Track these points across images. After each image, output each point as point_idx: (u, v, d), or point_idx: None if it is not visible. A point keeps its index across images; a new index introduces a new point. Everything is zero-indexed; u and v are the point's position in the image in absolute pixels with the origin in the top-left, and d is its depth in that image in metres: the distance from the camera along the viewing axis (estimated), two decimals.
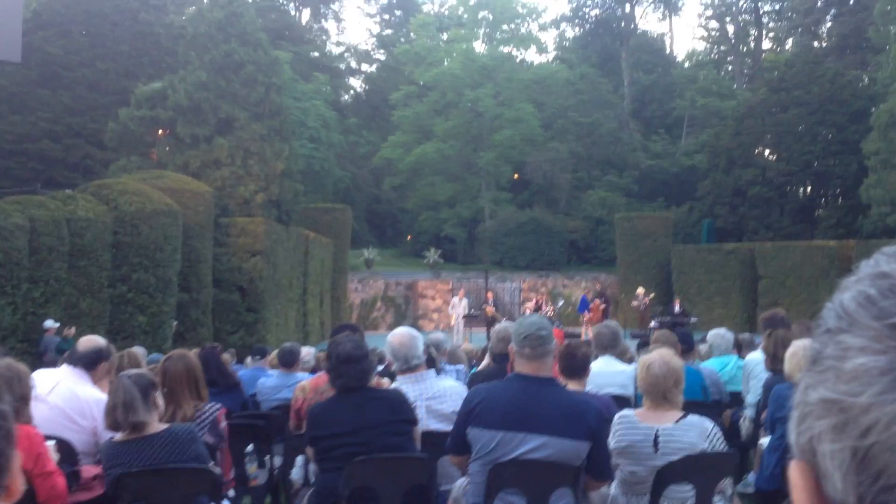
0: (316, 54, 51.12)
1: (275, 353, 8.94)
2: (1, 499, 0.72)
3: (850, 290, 0.60)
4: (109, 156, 27.46)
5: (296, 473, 5.39)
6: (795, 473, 0.61)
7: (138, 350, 7.83)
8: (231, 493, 4.91)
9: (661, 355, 4.33)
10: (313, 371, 8.32)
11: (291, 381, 7.54)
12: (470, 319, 25.64)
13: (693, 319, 24.48)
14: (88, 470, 4.43)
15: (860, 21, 39.40)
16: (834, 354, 0.58)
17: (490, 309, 25.06)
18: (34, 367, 5.03)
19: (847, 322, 0.58)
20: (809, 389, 0.60)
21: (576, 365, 5.17)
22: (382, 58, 56.09)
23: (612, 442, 4.27)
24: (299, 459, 5.35)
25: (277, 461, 6.31)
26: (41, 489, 3.81)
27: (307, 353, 9.29)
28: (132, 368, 4.66)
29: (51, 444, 4.04)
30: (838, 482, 0.55)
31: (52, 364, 6.48)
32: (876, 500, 0.52)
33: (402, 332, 5.05)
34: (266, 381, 7.86)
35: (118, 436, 4.02)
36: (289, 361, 7.77)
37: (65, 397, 4.60)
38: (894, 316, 0.56)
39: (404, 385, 4.86)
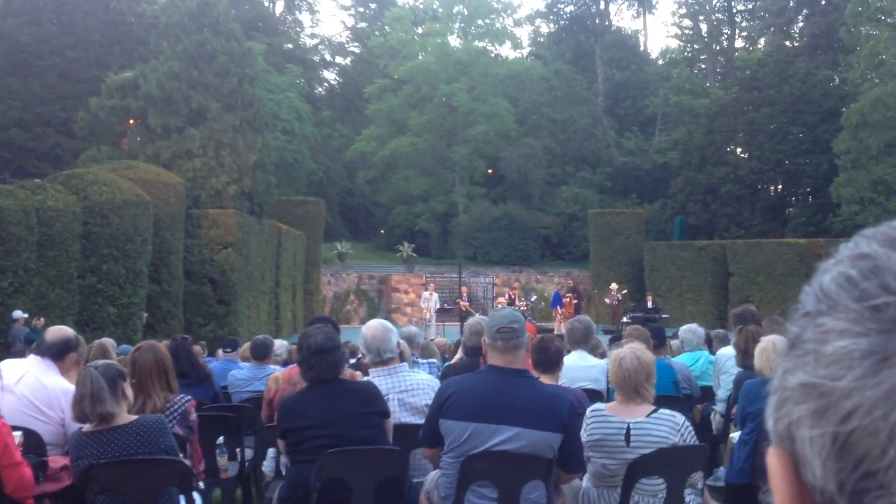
0: (290, 46, 50.83)
1: (247, 345, 8.89)
2: None
3: (829, 272, 0.59)
4: (79, 145, 27.15)
5: (267, 466, 5.36)
6: (773, 460, 0.59)
7: (108, 341, 7.75)
8: (201, 485, 4.87)
9: (633, 350, 4.35)
10: (285, 364, 8.28)
11: (263, 374, 7.52)
12: (443, 314, 25.64)
13: (665, 315, 24.67)
14: (56, 461, 4.38)
15: (832, 22, 39.77)
16: (813, 338, 0.56)
17: (464, 304, 25.09)
18: (1, 358, 4.96)
19: (827, 304, 0.57)
20: (788, 374, 0.58)
21: (549, 359, 5.17)
22: (357, 51, 55.89)
23: (585, 435, 4.28)
24: (270, 452, 5.33)
25: (248, 453, 6.28)
26: (8, 480, 3.76)
27: (279, 345, 9.26)
28: (101, 359, 4.60)
29: (17, 434, 3.98)
30: (818, 469, 0.54)
31: (21, 355, 6.39)
32: (857, 486, 0.52)
33: (376, 324, 5.03)
34: (237, 373, 7.82)
35: (86, 427, 3.97)
36: (261, 354, 7.73)
37: (32, 388, 4.53)
38: (875, 298, 0.54)
39: (377, 378, 4.85)
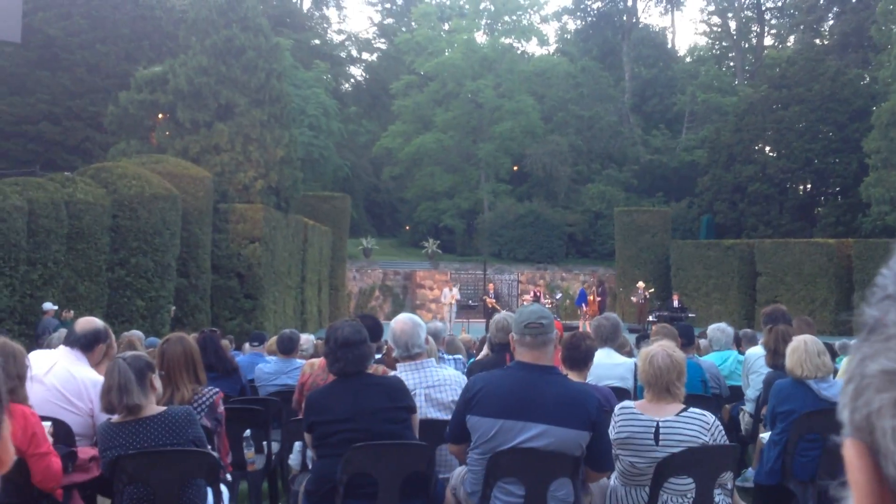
0: (317, 42, 50.98)
1: (273, 339, 8.91)
2: None
3: None
4: (109, 139, 27.34)
5: (293, 459, 5.36)
6: (851, 453, 0.55)
7: (135, 334, 7.80)
8: (228, 477, 4.88)
9: (664, 347, 4.30)
10: (312, 358, 8.28)
11: (290, 368, 7.53)
12: (467, 310, 25.64)
13: (691, 315, 24.50)
14: (85, 451, 4.40)
15: (862, 20, 39.31)
16: None
17: (491, 300, 25.06)
18: (31, 350, 4.99)
19: None
20: (867, 361, 0.53)
21: (579, 356, 5.14)
22: (383, 47, 55.96)
23: (613, 433, 4.24)
24: (297, 445, 5.32)
25: (275, 447, 6.29)
26: (36, 469, 3.78)
27: (305, 340, 9.27)
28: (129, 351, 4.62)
29: (47, 424, 4.00)
30: None
31: (51, 346, 6.44)
32: None
33: (405, 318, 5.00)
34: (264, 367, 7.83)
35: (115, 417, 3.98)
36: (288, 348, 7.74)
37: (61, 378, 4.56)
38: None
39: (404, 373, 4.83)
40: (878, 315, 0.54)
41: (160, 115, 24.74)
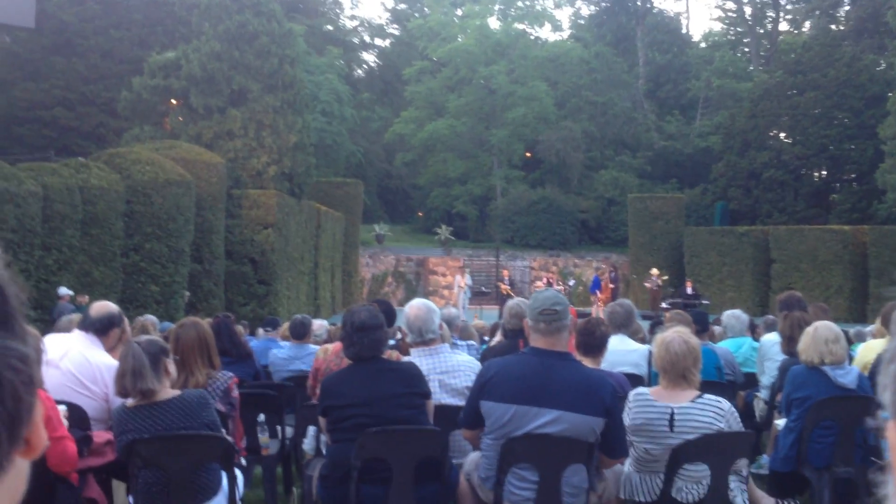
0: (329, 28, 50.85)
1: (286, 324, 8.93)
2: (21, 454, 0.64)
3: None
4: (122, 125, 27.40)
5: (308, 444, 5.38)
6: (894, 434, 0.51)
7: (150, 319, 7.82)
8: (243, 461, 4.90)
9: (679, 333, 4.28)
10: (326, 343, 8.30)
11: (303, 354, 7.55)
12: (480, 296, 25.65)
13: (705, 302, 24.43)
14: (100, 436, 4.42)
15: (878, 5, 38.92)
16: None
17: (505, 287, 25.06)
18: (46, 334, 5.01)
19: None
20: None
21: (593, 342, 5.13)
22: (396, 32, 55.79)
23: (627, 419, 4.23)
24: (311, 430, 5.34)
25: (289, 432, 6.30)
26: (51, 453, 3.80)
27: (319, 325, 9.28)
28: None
29: (62, 408, 4.02)
30: None
31: (65, 331, 6.47)
32: None
33: (419, 304, 5.00)
34: (278, 352, 7.85)
35: (130, 401, 4.00)
36: (300, 333, 7.75)
37: (76, 363, 4.57)
38: None
39: (418, 358, 4.83)
40: None
41: (173, 101, 24.77)
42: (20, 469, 0.64)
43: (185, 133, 23.76)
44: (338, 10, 55.69)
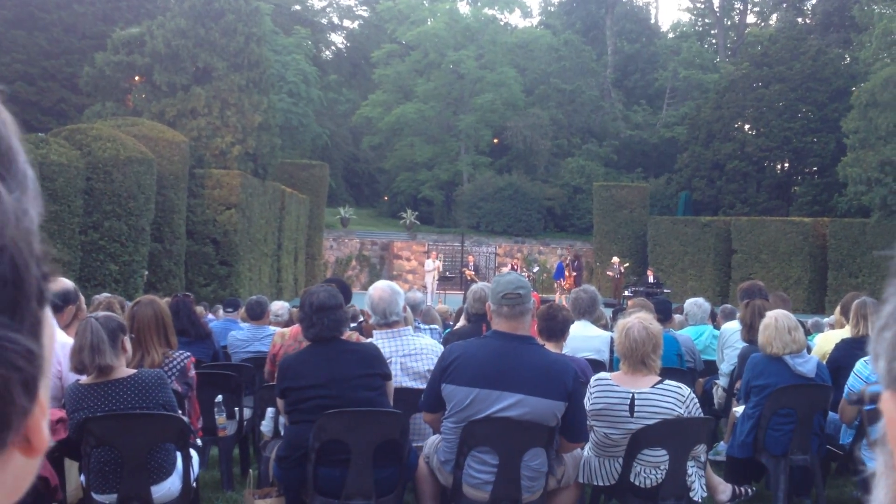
0: (297, 7, 50.39)
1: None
2: (21, 451, 0.57)
3: None
4: (84, 101, 26.97)
5: (265, 425, 5.32)
6: (891, 406, 0.48)
7: (116, 297, 7.70)
8: (199, 442, 4.83)
9: (641, 320, 4.28)
10: (286, 326, 8.23)
11: (262, 335, 7.48)
12: (444, 281, 25.64)
13: (666, 290, 24.61)
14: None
15: None
16: None
17: (469, 272, 25.06)
18: None
19: None
20: None
21: (555, 327, 5.12)
22: (365, 14, 55.39)
23: (588, 404, 4.23)
24: (269, 411, 5.28)
25: (247, 413, 6.24)
26: None
27: (281, 307, 9.21)
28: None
29: None
30: None
31: None
32: None
33: (384, 286, 4.95)
34: (237, 333, 7.77)
35: (84, 379, 3.91)
36: (257, 314, 7.68)
37: None
38: None
39: (381, 341, 4.79)
40: None
41: (137, 78, 24.40)
42: (19, 466, 0.57)
43: (148, 110, 23.44)
44: None
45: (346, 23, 57.21)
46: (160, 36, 23.53)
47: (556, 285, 26.75)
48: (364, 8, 55.90)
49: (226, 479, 5.95)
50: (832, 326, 8.18)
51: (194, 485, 4.43)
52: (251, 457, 6.52)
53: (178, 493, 4.11)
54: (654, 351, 4.24)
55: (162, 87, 23.63)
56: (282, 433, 4.81)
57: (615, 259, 27.06)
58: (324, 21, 54.53)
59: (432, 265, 25.62)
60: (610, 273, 26.87)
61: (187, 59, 23.52)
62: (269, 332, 7.37)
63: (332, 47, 55.70)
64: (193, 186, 22.01)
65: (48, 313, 0.58)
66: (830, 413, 5.51)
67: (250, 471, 6.15)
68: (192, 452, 4.32)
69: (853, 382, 4.92)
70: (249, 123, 24.20)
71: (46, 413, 0.59)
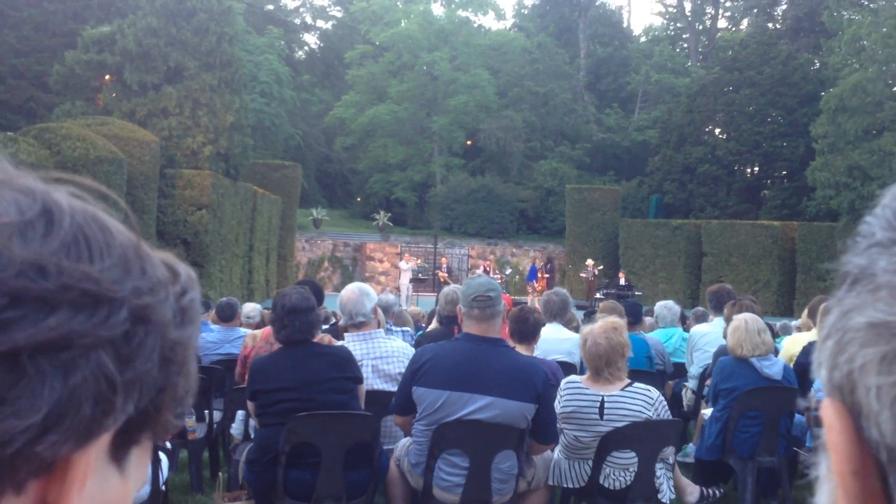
0: (270, 7, 50.18)
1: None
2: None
3: None
4: (54, 99, 26.66)
5: (235, 428, 5.29)
6: (830, 414, 0.50)
7: None
8: (168, 445, 4.80)
9: (605, 328, 4.27)
10: (258, 328, 8.19)
11: (232, 337, 7.44)
12: (417, 283, 25.64)
13: (637, 293, 24.77)
14: None
15: (815, 5, 39.85)
16: (889, 268, 0.47)
17: (443, 274, 25.08)
18: None
19: None
20: (852, 313, 0.48)
21: (527, 329, 5.13)
22: (339, 15, 55.27)
23: (559, 407, 4.25)
24: (239, 414, 5.25)
25: (217, 416, 6.21)
26: None
27: (252, 308, 9.16)
28: None
29: None
30: (887, 423, 0.45)
31: None
32: None
33: (353, 287, 4.98)
34: (207, 335, 7.71)
35: None
36: (227, 315, 7.64)
37: None
38: None
39: (352, 343, 4.79)
40: (864, 263, 0.49)
41: (107, 77, 24.17)
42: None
43: (119, 110, 23.21)
44: None
45: (320, 23, 57.06)
46: (131, 35, 23.33)
47: (528, 287, 26.84)
48: (337, 8, 55.76)
49: (195, 482, 5.91)
50: (800, 329, 8.27)
51: (163, 488, 4.40)
52: (221, 460, 6.48)
53: (147, 496, 4.08)
54: (617, 361, 4.25)
55: (133, 86, 23.42)
56: (252, 436, 4.79)
57: (590, 261, 27.20)
58: (297, 21, 54.34)
59: (407, 266, 25.57)
60: (584, 275, 27.00)
61: (158, 58, 23.33)
62: (239, 334, 7.33)
63: (306, 47, 55.55)
64: (164, 187, 21.84)
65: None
66: (797, 415, 5.57)
67: (220, 474, 6.10)
68: (161, 455, 4.29)
69: (819, 385, 4.98)
70: (221, 123, 24.05)
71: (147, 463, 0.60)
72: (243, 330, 7.53)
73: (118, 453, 0.54)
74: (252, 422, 4.67)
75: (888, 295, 0.47)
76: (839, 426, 0.50)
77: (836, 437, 0.50)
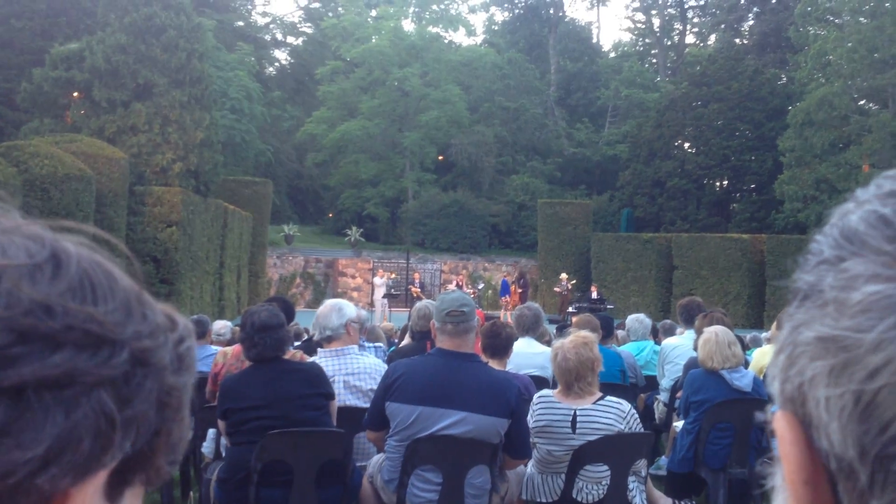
0: (240, 24, 50.09)
1: None
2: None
3: (853, 213, 0.52)
4: (22, 117, 26.43)
5: (206, 447, 5.25)
6: (782, 425, 0.52)
7: None
8: None
9: (575, 343, 4.29)
10: (228, 344, 8.14)
11: (203, 354, 7.38)
12: (390, 298, 25.56)
13: (609, 306, 24.87)
14: None
15: (781, 20, 40.43)
16: (836, 285, 0.49)
17: (416, 289, 25.06)
18: None
19: (852, 247, 0.49)
20: (801, 328, 0.51)
21: (499, 344, 5.14)
22: (309, 31, 55.26)
23: (531, 421, 4.26)
24: (211, 433, 5.22)
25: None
26: None
27: (223, 326, 9.11)
28: None
29: None
30: (835, 433, 0.47)
31: None
32: (883, 452, 0.45)
33: (330, 301, 5.03)
34: None
35: None
36: (197, 333, 7.56)
37: None
38: None
39: (324, 359, 4.77)
40: (813, 280, 0.52)
41: (76, 94, 24.00)
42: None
43: (87, 127, 23.05)
44: (249, 6, 54.94)
45: (290, 39, 57.03)
46: (100, 52, 23.20)
47: (501, 302, 26.87)
48: (308, 25, 55.78)
49: (166, 501, 5.85)
50: (770, 341, 8.34)
51: None
52: (192, 479, 6.42)
53: None
54: (587, 376, 4.27)
55: (101, 103, 23.27)
56: (223, 454, 4.75)
57: (563, 275, 27.29)
58: (267, 37, 54.29)
59: (381, 281, 25.48)
60: (557, 289, 27.08)
61: (127, 75, 23.21)
62: (210, 352, 7.28)
63: (276, 64, 55.47)
64: (133, 204, 21.69)
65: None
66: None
67: (191, 493, 6.06)
68: None
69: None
70: (191, 140, 23.94)
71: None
72: (214, 347, 7.49)
73: (113, 493, 0.55)
74: (223, 440, 4.63)
75: (835, 310, 0.48)
76: (791, 437, 0.52)
77: (789, 447, 0.52)
